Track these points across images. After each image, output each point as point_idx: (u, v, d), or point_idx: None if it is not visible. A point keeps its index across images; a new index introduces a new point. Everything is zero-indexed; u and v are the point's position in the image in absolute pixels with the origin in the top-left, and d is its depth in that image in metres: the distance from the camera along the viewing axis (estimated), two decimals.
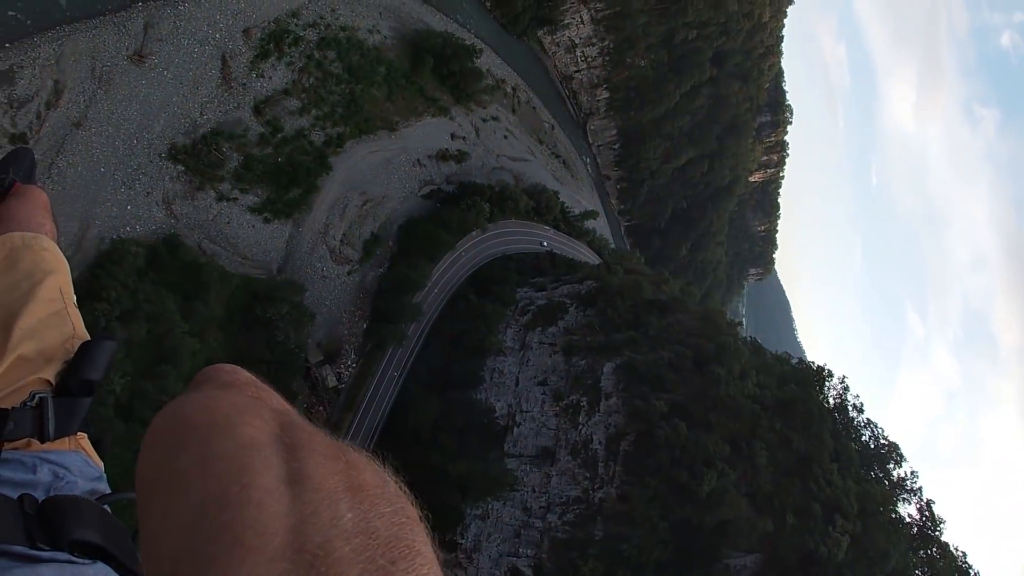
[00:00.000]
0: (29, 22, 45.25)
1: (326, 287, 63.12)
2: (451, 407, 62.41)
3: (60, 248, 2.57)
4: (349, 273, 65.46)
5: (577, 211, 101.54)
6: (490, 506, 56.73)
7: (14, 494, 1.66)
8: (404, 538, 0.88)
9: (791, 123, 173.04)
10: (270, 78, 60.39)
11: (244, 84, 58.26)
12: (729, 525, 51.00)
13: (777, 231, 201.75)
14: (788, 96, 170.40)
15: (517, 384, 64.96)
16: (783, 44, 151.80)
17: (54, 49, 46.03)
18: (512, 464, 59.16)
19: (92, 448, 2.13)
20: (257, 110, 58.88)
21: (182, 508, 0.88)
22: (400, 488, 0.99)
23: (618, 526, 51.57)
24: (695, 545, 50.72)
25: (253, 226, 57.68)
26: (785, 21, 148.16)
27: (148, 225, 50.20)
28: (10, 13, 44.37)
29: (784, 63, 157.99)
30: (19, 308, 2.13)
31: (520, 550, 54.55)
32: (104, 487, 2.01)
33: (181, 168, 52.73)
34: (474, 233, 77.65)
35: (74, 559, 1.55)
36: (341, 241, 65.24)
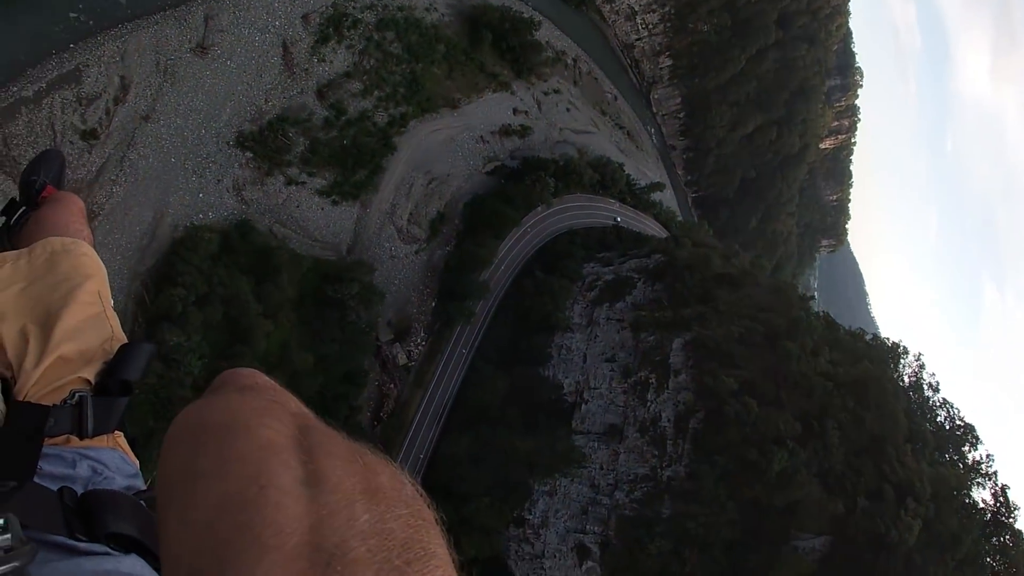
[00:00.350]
0: (91, 22, 46.55)
1: (395, 266, 63.94)
2: (519, 384, 62.78)
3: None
4: (417, 252, 66.14)
5: (643, 183, 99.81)
6: (558, 482, 57.05)
7: (54, 487, 1.72)
8: (419, 540, 0.89)
9: (862, 86, 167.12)
10: (331, 62, 60.97)
11: (306, 69, 58.97)
12: (798, 506, 50.06)
13: (850, 200, 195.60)
14: (858, 58, 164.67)
15: (585, 361, 64.87)
16: (850, 4, 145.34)
17: (118, 46, 47.28)
18: (580, 441, 59.29)
19: (128, 447, 2.20)
20: (320, 94, 59.59)
21: (201, 508, 0.91)
22: (417, 491, 1.00)
23: (686, 504, 51.21)
24: (763, 525, 50.00)
25: (322, 209, 58.68)
26: None
27: (220, 211, 51.54)
28: (72, 15, 45.71)
29: (852, 24, 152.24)
30: (59, 310, 2.17)
31: (587, 527, 54.82)
32: (140, 484, 2.06)
33: (249, 155, 53.87)
34: (539, 208, 77.25)
35: (110, 551, 1.61)
36: (408, 220, 65.90)
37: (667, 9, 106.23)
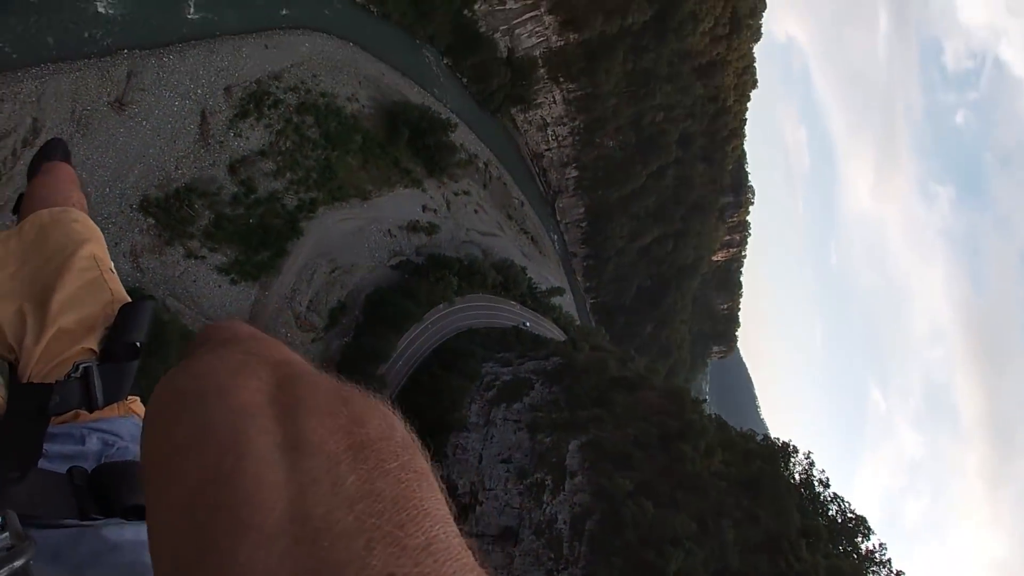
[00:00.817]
0: (15, 55, 44.92)
1: None
2: None
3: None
4: (313, 340, 64.23)
5: (544, 287, 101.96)
6: None
7: (63, 468, 1.67)
8: (411, 497, 0.77)
9: (753, 204, 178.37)
10: (248, 138, 60.30)
11: (221, 142, 58.04)
12: None
13: (740, 309, 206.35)
14: (750, 177, 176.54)
15: (480, 461, 63.55)
16: (746, 127, 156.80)
17: (36, 86, 45.48)
18: (474, 544, 57.34)
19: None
20: (232, 169, 58.52)
21: (179, 487, 0.78)
22: (409, 436, 0.88)
23: None
24: None
25: (219, 286, 56.64)
26: (748, 105, 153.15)
27: None
28: None
29: (747, 145, 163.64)
30: (54, 282, 2.05)
31: None
32: None
33: (151, 221, 51.87)
34: (441, 306, 77.04)
35: (125, 523, 1.56)
36: (307, 307, 64.27)
37: (577, 123, 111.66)
